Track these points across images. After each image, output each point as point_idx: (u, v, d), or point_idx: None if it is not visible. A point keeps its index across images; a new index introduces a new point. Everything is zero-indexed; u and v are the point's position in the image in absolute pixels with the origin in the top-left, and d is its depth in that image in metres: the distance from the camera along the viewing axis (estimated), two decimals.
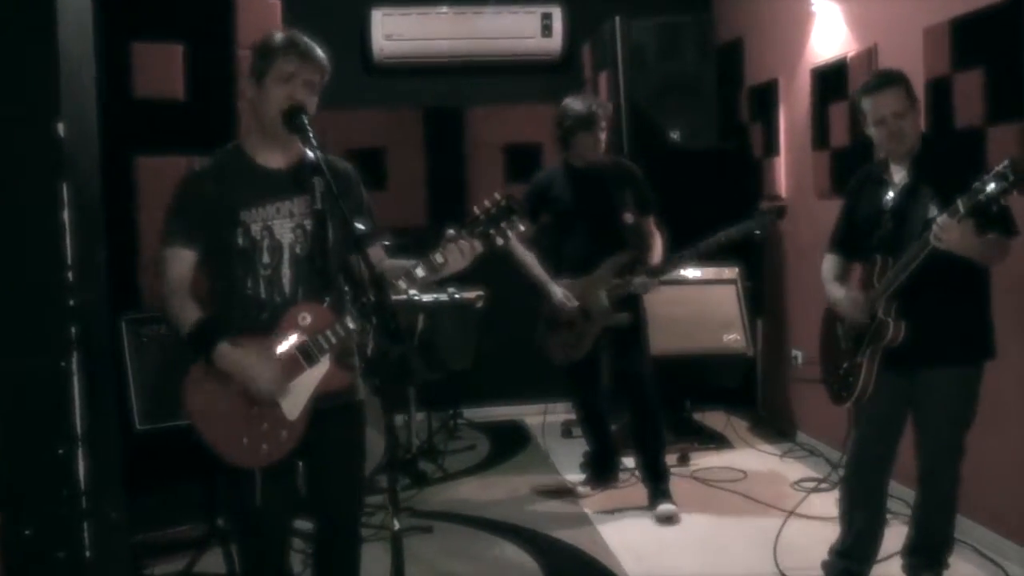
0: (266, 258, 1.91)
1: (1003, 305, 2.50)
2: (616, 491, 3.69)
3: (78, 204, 1.90)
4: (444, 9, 4.73)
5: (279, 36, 1.96)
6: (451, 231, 1.91)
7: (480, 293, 3.75)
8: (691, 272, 4.23)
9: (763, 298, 4.54)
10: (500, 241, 1.90)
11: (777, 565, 2.80)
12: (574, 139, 3.38)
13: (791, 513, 2.99)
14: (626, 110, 4.24)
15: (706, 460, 4.04)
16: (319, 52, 1.95)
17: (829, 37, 3.89)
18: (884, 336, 2.38)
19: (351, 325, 1.88)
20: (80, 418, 1.88)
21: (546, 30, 4.75)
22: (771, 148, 4.47)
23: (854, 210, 2.58)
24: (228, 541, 2.63)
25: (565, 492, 3.71)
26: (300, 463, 2.03)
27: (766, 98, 4.48)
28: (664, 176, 3.69)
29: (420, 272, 1.91)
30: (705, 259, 3.45)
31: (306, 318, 1.90)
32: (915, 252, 2.28)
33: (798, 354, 4.28)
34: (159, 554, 2.98)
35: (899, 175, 2.45)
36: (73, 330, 1.86)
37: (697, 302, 4.24)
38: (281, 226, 1.93)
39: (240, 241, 1.90)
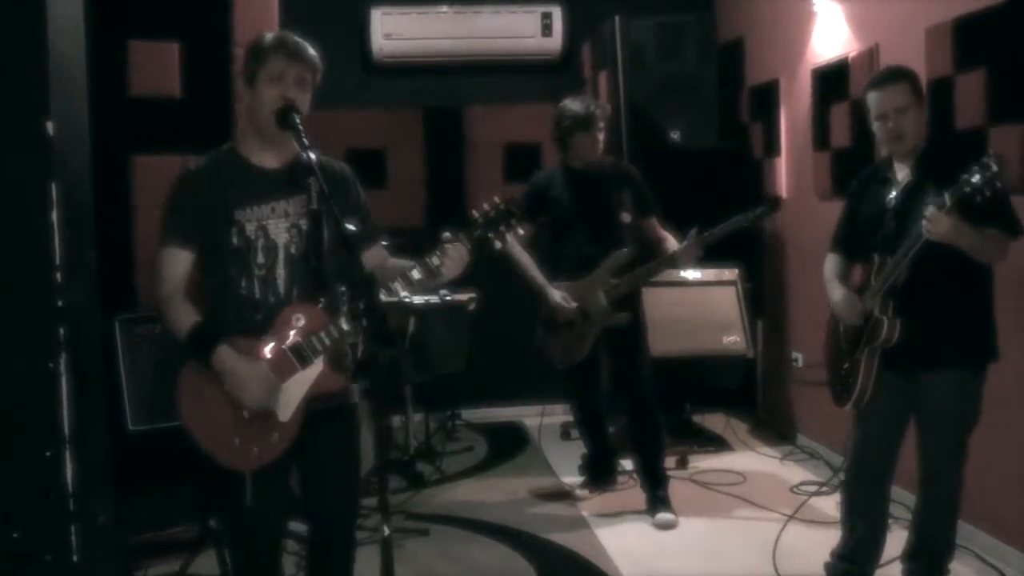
0: (261, 258, 1.91)
1: (1004, 304, 2.47)
2: (614, 494, 3.67)
3: (68, 204, 1.87)
4: (444, 8, 4.71)
5: (269, 36, 1.95)
6: (447, 234, 1.90)
7: (472, 295, 3.72)
8: (691, 273, 4.21)
9: (763, 299, 4.51)
10: (499, 244, 1.90)
11: (776, 570, 2.77)
12: (572, 140, 3.37)
13: (790, 518, 2.97)
14: (625, 110, 4.21)
15: (705, 463, 4.01)
16: (310, 50, 1.94)
17: (830, 37, 3.86)
18: (879, 335, 2.36)
19: (345, 327, 1.87)
20: (68, 420, 1.86)
21: (546, 30, 4.73)
22: (772, 149, 4.44)
23: (856, 209, 2.56)
24: (222, 542, 2.61)
25: (563, 495, 3.69)
26: (293, 465, 2.01)
27: (767, 98, 4.45)
28: (664, 177, 3.66)
29: (416, 275, 1.89)
30: (705, 256, 3.40)
31: (300, 319, 1.89)
32: (909, 245, 2.26)
33: (798, 356, 4.25)
34: (153, 555, 2.98)
35: (902, 173, 2.43)
36: (61, 331, 1.84)
37: (697, 303, 4.21)
38: (276, 226, 1.92)
39: (235, 241, 1.90)
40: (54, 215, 1.83)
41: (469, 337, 3.79)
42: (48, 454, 1.83)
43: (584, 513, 3.49)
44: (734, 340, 4.16)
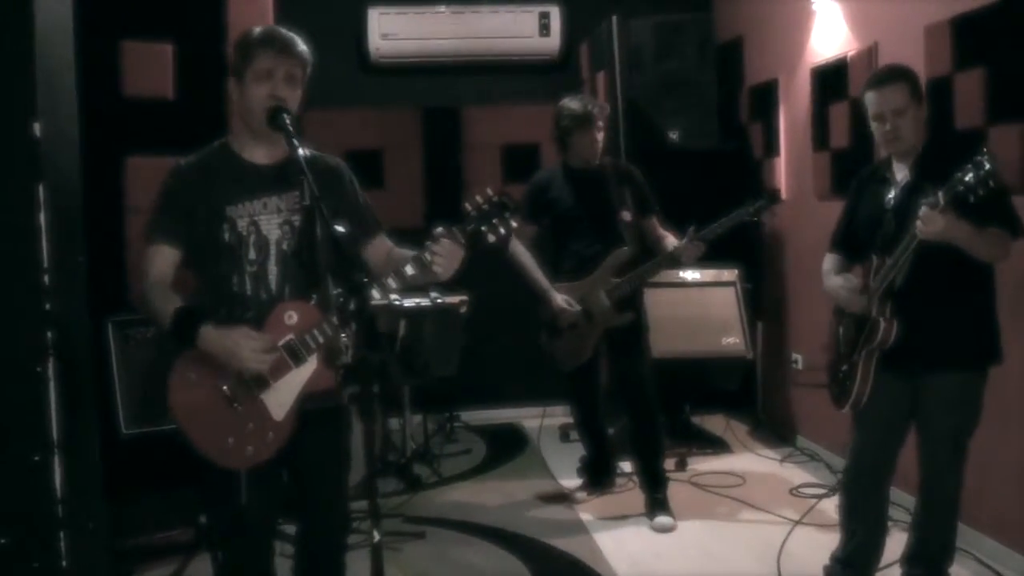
0: (252, 254, 1.88)
1: (1006, 305, 2.44)
2: (612, 496, 3.64)
3: (56, 206, 1.86)
4: (441, 8, 4.69)
5: (257, 31, 1.92)
6: (440, 228, 1.86)
7: (464, 297, 3.69)
8: (690, 274, 4.18)
9: (763, 300, 4.49)
10: (492, 238, 1.85)
11: (779, 573, 2.74)
12: (571, 139, 3.35)
13: (797, 523, 2.94)
14: (623, 110, 4.19)
15: (705, 464, 3.99)
16: (300, 44, 1.91)
17: (829, 36, 3.84)
18: (876, 336, 2.33)
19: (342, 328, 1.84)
20: (56, 425, 1.84)
21: (544, 29, 4.70)
22: (771, 149, 4.42)
23: (856, 209, 2.53)
24: (214, 544, 2.59)
25: (561, 497, 3.66)
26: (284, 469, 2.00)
27: (766, 98, 4.43)
28: (663, 177, 3.63)
29: (410, 271, 1.86)
30: (706, 255, 3.36)
31: (292, 316, 1.87)
32: (905, 245, 2.24)
33: (798, 357, 4.23)
34: (148, 559, 2.96)
35: (901, 173, 2.40)
36: (49, 335, 1.83)
37: (696, 304, 4.19)
38: (268, 222, 1.90)
39: (226, 237, 1.87)
40: (41, 217, 1.82)
41: (461, 340, 3.75)
42: (36, 459, 1.82)
43: (582, 516, 3.46)
44: (733, 341, 4.13)
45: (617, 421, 3.82)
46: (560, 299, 3.31)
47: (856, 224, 2.52)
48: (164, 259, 1.88)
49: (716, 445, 4.23)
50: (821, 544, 2.78)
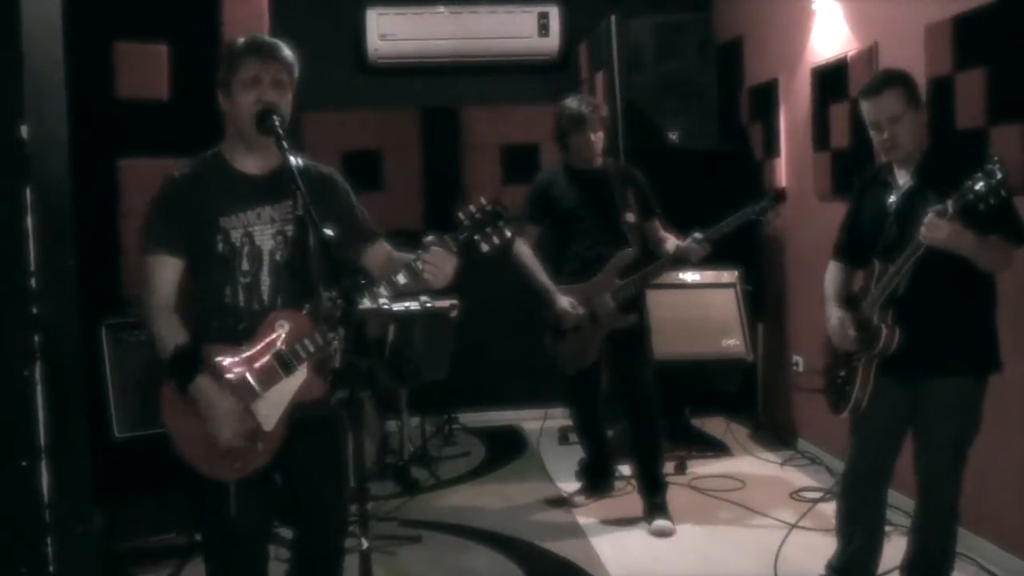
0: (246, 265, 1.88)
1: (1006, 313, 2.41)
2: (611, 500, 3.62)
3: (44, 209, 1.84)
4: (440, 9, 4.67)
5: (240, 41, 1.93)
6: (431, 236, 1.86)
7: (454, 301, 3.67)
8: (689, 275, 4.16)
9: (763, 302, 4.46)
10: (486, 247, 1.85)
11: None
12: (569, 139, 3.34)
13: (793, 527, 2.91)
14: (622, 110, 4.17)
15: (704, 468, 3.96)
16: (284, 49, 1.91)
17: (829, 36, 3.81)
18: (877, 343, 2.30)
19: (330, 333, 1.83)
20: (44, 429, 1.82)
21: (543, 30, 4.68)
22: (771, 149, 4.39)
23: (858, 214, 2.50)
24: (207, 554, 2.58)
25: (559, 501, 3.64)
26: (277, 474, 1.98)
27: (766, 98, 4.40)
28: (663, 178, 3.61)
29: (402, 279, 1.85)
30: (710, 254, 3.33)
31: (284, 325, 1.86)
32: (909, 252, 2.20)
33: (799, 360, 4.20)
34: (143, 562, 2.95)
35: (903, 178, 2.37)
36: (36, 339, 1.80)
37: (696, 306, 4.16)
38: (262, 232, 1.90)
39: (220, 247, 1.87)
40: (29, 220, 1.80)
41: (452, 344, 3.73)
42: (23, 464, 1.80)
43: (580, 520, 3.44)
44: (733, 343, 4.10)
45: (616, 424, 3.80)
46: (564, 301, 3.28)
47: (859, 229, 2.49)
48: (168, 271, 1.88)
49: (716, 448, 4.20)
50: (820, 548, 2.75)
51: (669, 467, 3.68)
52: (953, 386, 2.30)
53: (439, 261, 1.84)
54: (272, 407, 1.86)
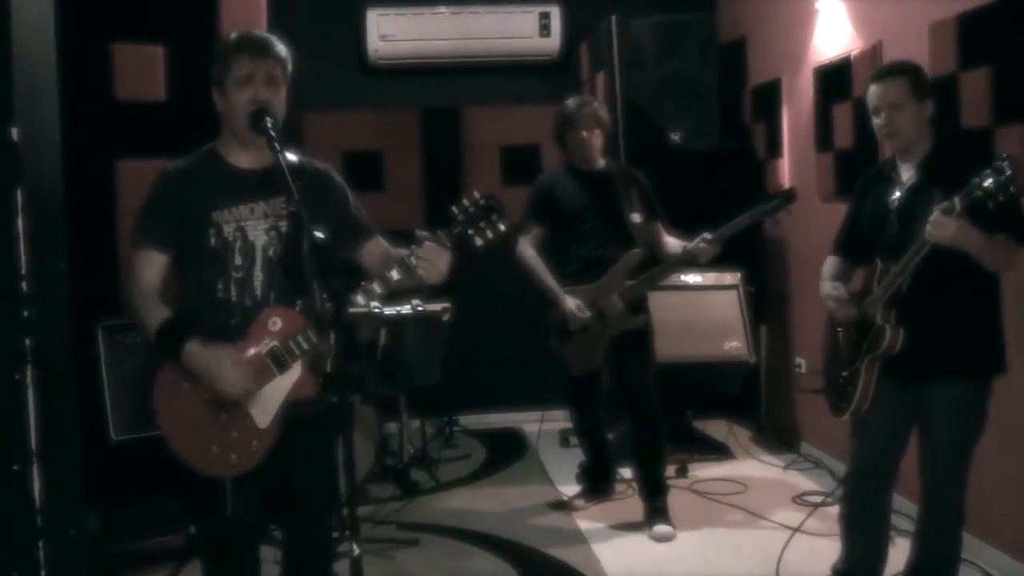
0: (238, 260, 1.87)
1: (1012, 315, 2.38)
2: (611, 503, 3.59)
3: (35, 211, 1.83)
4: (440, 9, 4.65)
5: (232, 38, 1.92)
6: (423, 232, 1.84)
7: (446, 305, 3.64)
8: (691, 277, 4.13)
9: (766, 304, 4.42)
10: (480, 242, 1.83)
11: None
12: (565, 139, 3.34)
13: (796, 530, 2.88)
14: (622, 111, 4.14)
15: (706, 471, 3.93)
16: (275, 45, 1.89)
17: (833, 35, 3.78)
18: (881, 343, 2.27)
19: (314, 337, 1.81)
20: (35, 433, 1.81)
21: (544, 30, 4.66)
22: (774, 149, 4.36)
23: (860, 210, 2.47)
24: (201, 553, 2.56)
25: (559, 505, 3.61)
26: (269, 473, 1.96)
27: (769, 98, 4.37)
28: (665, 179, 3.59)
29: (395, 276, 1.83)
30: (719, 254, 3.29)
31: (277, 322, 1.84)
32: (914, 251, 2.17)
33: (802, 362, 4.16)
34: (141, 564, 2.95)
35: (907, 174, 2.34)
36: (27, 342, 1.79)
37: (697, 308, 4.13)
38: (255, 227, 1.88)
39: (212, 242, 1.86)
40: (19, 223, 1.79)
41: (444, 348, 3.70)
42: (15, 468, 1.79)
43: (580, 524, 3.41)
44: (735, 346, 4.07)
45: (617, 426, 3.77)
46: (572, 304, 3.25)
47: (860, 225, 2.46)
48: (152, 265, 1.87)
49: (718, 451, 4.17)
50: (823, 552, 2.72)
51: (670, 470, 3.66)
52: (957, 388, 2.26)
53: (432, 256, 1.82)
54: (266, 404, 1.84)
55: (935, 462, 2.33)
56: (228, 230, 1.86)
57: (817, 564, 2.70)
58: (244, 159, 1.91)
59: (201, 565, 1.98)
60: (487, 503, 3.67)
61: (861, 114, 3.24)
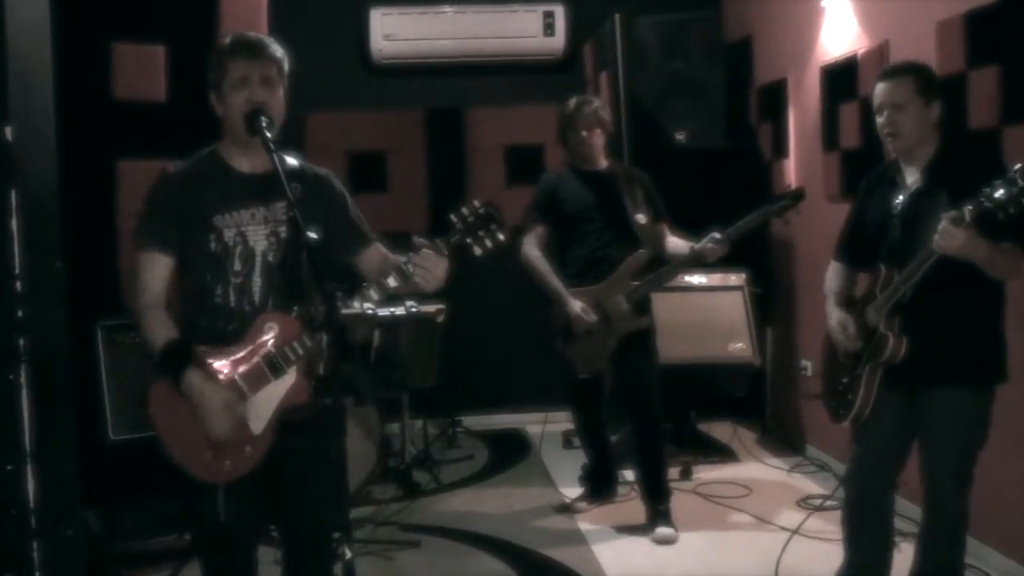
0: (238, 265, 1.85)
1: (1015, 323, 2.34)
2: (613, 506, 3.57)
3: (30, 211, 1.83)
4: (444, 8, 4.64)
5: (226, 41, 1.90)
6: (421, 239, 1.82)
7: (441, 306, 3.62)
8: (696, 278, 4.10)
9: (771, 305, 4.39)
10: (478, 251, 1.81)
11: None
12: (567, 138, 3.32)
13: (794, 533, 2.85)
14: (626, 110, 4.11)
15: (710, 474, 3.90)
16: (270, 46, 1.87)
17: (839, 34, 3.74)
18: (883, 352, 2.23)
19: (307, 340, 1.80)
20: (30, 434, 1.81)
21: (548, 29, 4.64)
22: (780, 149, 4.32)
23: (863, 213, 2.43)
24: (198, 557, 2.56)
25: (561, 507, 3.59)
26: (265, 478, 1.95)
27: (775, 98, 4.33)
28: (670, 179, 3.56)
29: (392, 283, 1.82)
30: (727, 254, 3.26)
31: (273, 328, 1.83)
32: (921, 260, 2.13)
33: (807, 364, 4.12)
34: (142, 564, 2.95)
35: (911, 177, 2.30)
36: (22, 342, 1.79)
37: (702, 309, 4.10)
38: (255, 232, 1.87)
39: (212, 246, 1.85)
40: (13, 223, 1.79)
41: (439, 350, 3.67)
42: (8, 468, 1.79)
43: (582, 526, 3.39)
44: (741, 347, 4.04)
45: (620, 428, 3.74)
46: (577, 306, 3.22)
47: (862, 228, 2.42)
48: (156, 267, 1.86)
49: (722, 453, 4.13)
50: (826, 556, 2.69)
51: (674, 472, 3.63)
52: (960, 396, 2.22)
53: (430, 264, 1.80)
54: (260, 410, 1.83)
55: (938, 470, 2.29)
56: (229, 235, 1.85)
57: (820, 567, 2.67)
58: (245, 163, 1.90)
59: (200, 565, 1.98)
60: (489, 505, 3.65)
61: (868, 114, 3.17)
